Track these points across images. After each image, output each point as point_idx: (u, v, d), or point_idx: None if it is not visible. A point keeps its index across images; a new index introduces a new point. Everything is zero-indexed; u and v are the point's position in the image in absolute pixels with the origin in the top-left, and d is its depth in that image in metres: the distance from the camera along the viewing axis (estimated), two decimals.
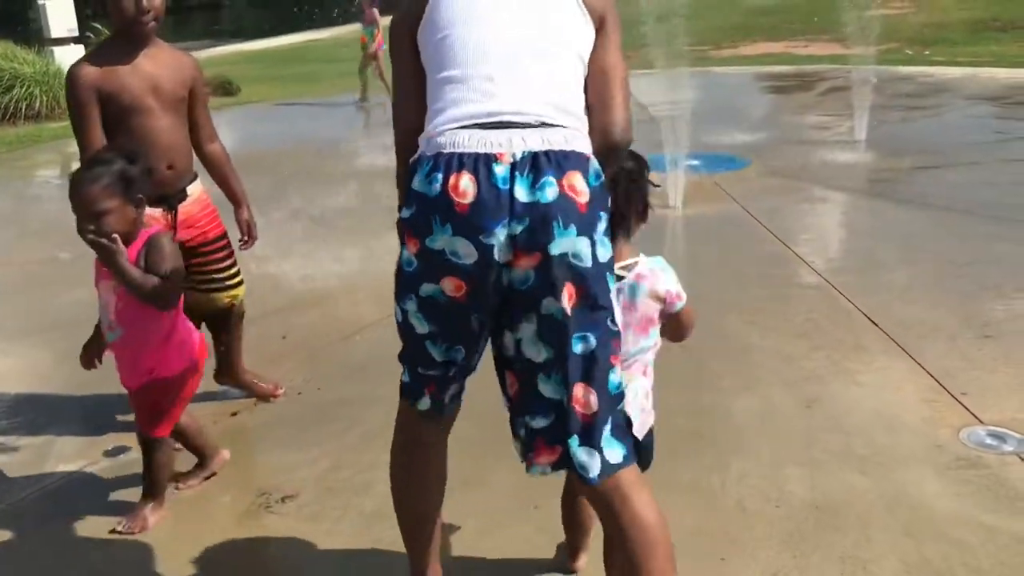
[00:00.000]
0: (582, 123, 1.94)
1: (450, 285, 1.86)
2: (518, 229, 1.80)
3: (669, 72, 8.06)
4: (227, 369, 3.64)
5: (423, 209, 1.84)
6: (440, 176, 1.81)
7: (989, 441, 3.09)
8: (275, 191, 7.23)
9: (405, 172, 1.94)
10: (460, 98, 1.88)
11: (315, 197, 7.09)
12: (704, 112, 9.12)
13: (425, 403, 2.08)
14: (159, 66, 3.12)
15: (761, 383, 3.63)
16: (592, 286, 1.85)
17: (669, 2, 8.57)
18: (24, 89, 12.37)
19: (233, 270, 3.47)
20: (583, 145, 1.89)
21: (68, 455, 3.38)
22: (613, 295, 1.93)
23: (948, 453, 3.03)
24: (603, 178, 1.91)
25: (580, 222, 1.82)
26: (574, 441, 1.90)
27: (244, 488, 3.08)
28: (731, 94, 12.14)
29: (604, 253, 1.88)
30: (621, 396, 1.95)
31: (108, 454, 3.34)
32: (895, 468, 2.96)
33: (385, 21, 13.13)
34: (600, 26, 2.03)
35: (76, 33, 14.92)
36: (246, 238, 3.58)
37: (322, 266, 5.36)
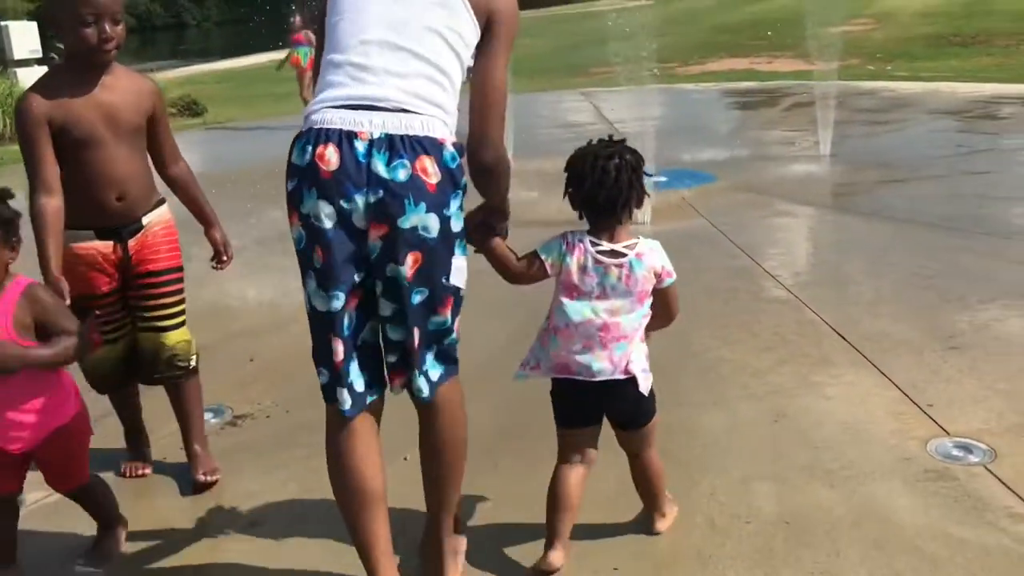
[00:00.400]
0: (445, 111, 2.18)
1: (317, 252, 2.15)
2: (372, 198, 2.08)
3: (637, 89, 8.14)
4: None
5: (297, 177, 2.14)
6: (311, 148, 2.10)
7: (956, 453, 3.11)
8: (241, 212, 7.18)
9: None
10: (335, 81, 2.15)
11: (282, 218, 7.04)
12: (671, 128, 9.22)
13: (346, 402, 2.29)
14: (116, 94, 2.93)
15: (729, 398, 3.63)
16: (435, 253, 2.16)
17: (637, 20, 8.66)
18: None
19: (177, 309, 3.15)
20: (441, 131, 2.14)
21: (25, 488, 3.30)
22: (459, 262, 2.24)
23: (916, 465, 3.05)
24: (459, 160, 2.17)
25: (429, 200, 2.11)
26: (414, 373, 2.27)
27: (210, 514, 3.04)
28: (697, 110, 12.26)
29: (456, 225, 2.20)
30: (446, 331, 2.28)
31: None
32: (863, 481, 2.97)
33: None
34: (487, 25, 2.22)
35: (40, 54, 14.81)
36: (224, 258, 3.35)
37: (290, 288, 5.29)
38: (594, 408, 2.58)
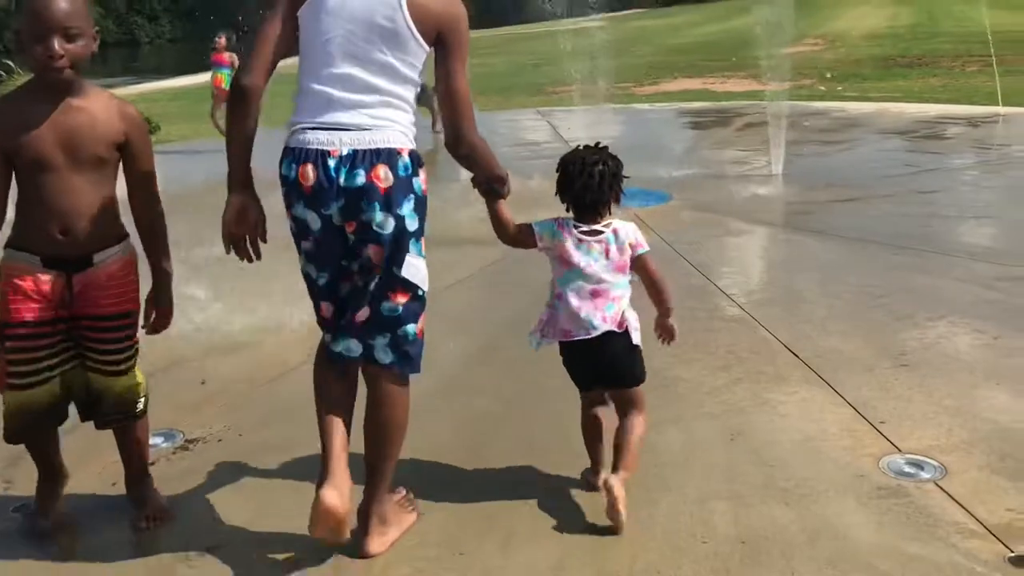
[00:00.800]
0: (402, 125, 2.63)
1: (309, 245, 2.68)
2: (342, 203, 2.56)
3: (593, 108, 8.19)
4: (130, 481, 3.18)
5: (287, 189, 2.64)
6: (295, 166, 2.59)
7: (908, 469, 3.16)
8: (195, 231, 7.09)
9: (234, 122, 2.66)
10: (310, 106, 2.63)
11: None
12: (626, 147, 9.25)
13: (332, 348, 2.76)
14: (81, 118, 2.72)
15: (686, 416, 3.66)
16: (388, 247, 2.60)
17: (593, 40, 8.74)
18: None
19: (123, 355, 2.93)
20: (399, 142, 2.60)
21: None
22: (413, 259, 2.65)
23: (869, 483, 3.09)
24: (412, 169, 2.61)
25: (381, 201, 2.55)
26: (367, 346, 2.70)
27: (164, 540, 2.98)
28: (653, 130, 12.37)
29: (411, 224, 2.61)
30: (398, 321, 2.67)
31: (18, 510, 3.19)
32: (817, 499, 3.00)
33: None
34: (438, 42, 2.64)
35: None
36: (157, 326, 3.04)
37: (243, 308, 5.24)
38: (590, 367, 3.02)
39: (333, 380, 2.81)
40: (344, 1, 2.59)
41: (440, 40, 2.63)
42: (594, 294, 2.92)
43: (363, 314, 2.66)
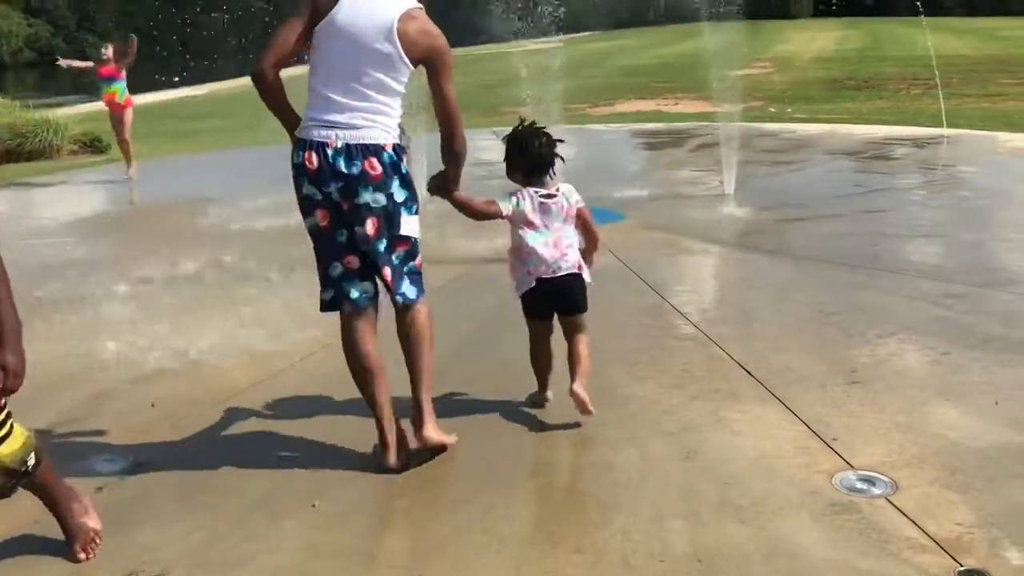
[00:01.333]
0: (387, 126, 3.30)
1: (319, 215, 3.34)
2: (340, 185, 3.26)
3: (547, 129, 8.20)
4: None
5: (296, 171, 3.32)
6: (301, 153, 3.28)
7: (860, 486, 3.19)
8: (142, 252, 6.99)
9: (268, 101, 3.38)
10: (315, 105, 3.33)
11: (183, 258, 6.86)
12: (581, 168, 9.30)
13: (346, 307, 3.41)
14: None
15: (641, 435, 3.66)
16: (387, 215, 3.30)
17: (548, 61, 8.79)
18: None
19: None
20: (383, 139, 3.28)
21: None
22: (407, 219, 3.35)
23: (822, 499, 3.11)
24: (396, 157, 3.30)
25: (374, 184, 3.26)
26: (395, 294, 3.41)
27: (110, 567, 2.90)
28: (607, 150, 12.45)
29: (399, 196, 3.32)
30: (410, 260, 3.42)
31: None
32: (772, 517, 3.01)
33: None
34: (427, 66, 3.33)
35: None
36: (14, 381, 2.55)
37: (192, 331, 5.16)
38: (553, 300, 3.74)
39: (361, 336, 3.41)
40: (350, 26, 3.25)
41: (428, 65, 3.33)
42: (555, 244, 3.69)
43: (387, 272, 3.36)
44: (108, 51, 11.34)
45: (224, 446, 3.75)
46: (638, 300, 5.44)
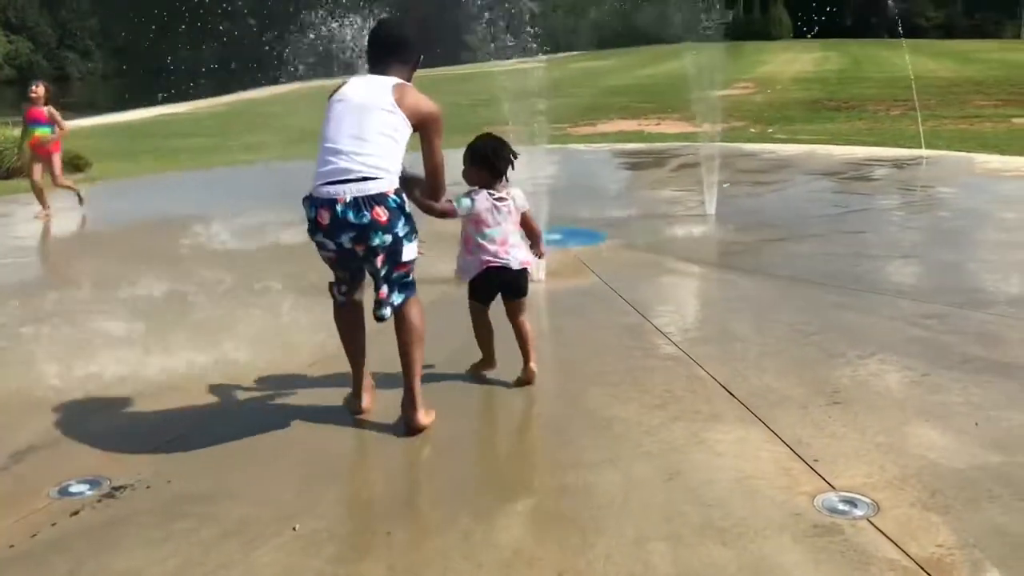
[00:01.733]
0: (390, 174, 3.78)
1: (327, 255, 3.88)
2: (352, 235, 3.71)
3: (529, 148, 8.22)
4: None
5: (310, 225, 3.79)
6: (314, 210, 3.75)
7: (842, 507, 3.19)
8: (126, 271, 6.93)
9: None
10: (324, 162, 3.80)
11: (166, 279, 6.80)
12: (563, 187, 9.34)
13: (340, 299, 4.07)
14: None
15: (623, 456, 3.65)
16: (393, 252, 3.77)
17: (529, 81, 8.80)
18: None
19: None
20: (387, 187, 3.74)
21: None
22: (408, 247, 3.81)
23: (804, 521, 3.11)
24: (399, 201, 3.76)
25: (383, 228, 3.70)
26: (388, 302, 3.86)
27: None
28: (589, 170, 12.50)
29: (402, 231, 3.76)
30: (405, 277, 3.89)
31: None
32: (755, 538, 3.01)
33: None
34: (419, 126, 3.90)
35: None
36: None
37: (175, 350, 5.12)
38: (497, 287, 4.31)
39: (348, 319, 4.08)
40: (354, 96, 3.89)
41: (422, 128, 3.91)
42: (502, 242, 4.22)
43: (383, 291, 3.83)
44: (39, 90, 10.01)
45: (204, 470, 3.71)
46: (620, 320, 5.44)
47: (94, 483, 3.58)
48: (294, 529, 3.16)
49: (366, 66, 4.13)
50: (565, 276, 6.47)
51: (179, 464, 3.76)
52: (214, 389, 4.54)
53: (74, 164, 13.52)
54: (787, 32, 65.44)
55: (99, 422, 4.20)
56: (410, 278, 3.95)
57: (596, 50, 55.72)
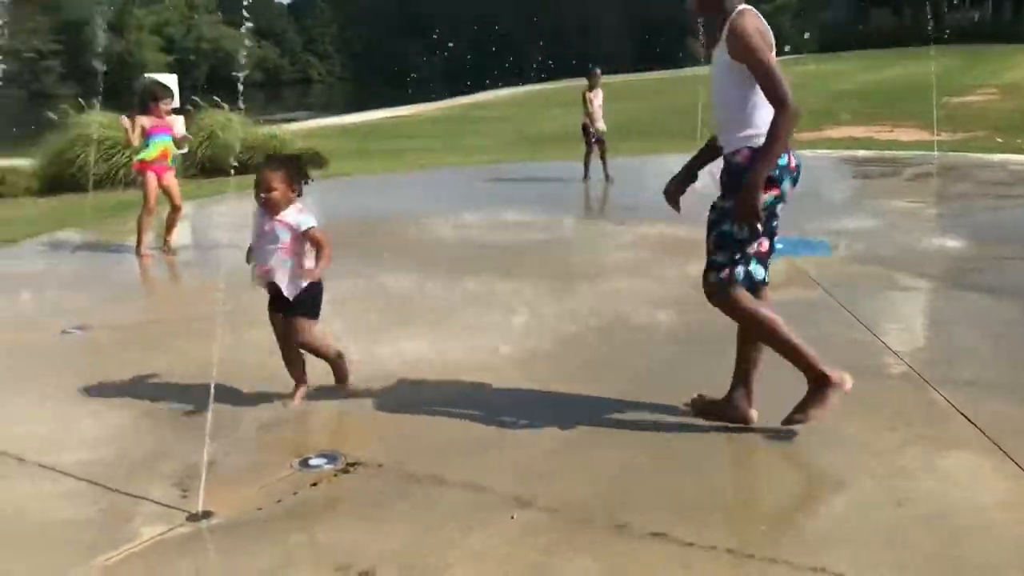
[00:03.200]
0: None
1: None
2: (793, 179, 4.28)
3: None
4: None
5: (780, 172, 4.19)
6: (786, 156, 4.20)
7: None
8: (355, 264, 7.34)
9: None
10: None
11: (376, 273, 7.15)
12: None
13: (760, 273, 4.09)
14: None
15: (849, 477, 3.51)
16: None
17: None
18: (126, 156, 12.85)
19: None
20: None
21: (151, 518, 3.41)
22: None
23: None
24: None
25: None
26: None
27: (324, 559, 3.08)
28: (815, 178, 12.02)
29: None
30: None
31: (192, 518, 3.36)
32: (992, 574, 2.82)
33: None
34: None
35: (176, 104, 15.53)
36: None
37: (424, 337, 5.39)
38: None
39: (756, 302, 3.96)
40: None
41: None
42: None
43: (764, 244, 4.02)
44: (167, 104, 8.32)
45: (432, 454, 3.88)
46: (846, 335, 5.23)
47: (331, 458, 3.84)
48: (512, 518, 3.26)
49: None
50: (789, 286, 6.28)
51: (410, 446, 3.95)
52: (462, 377, 4.73)
53: (313, 161, 14.48)
54: None
55: (339, 403, 4.49)
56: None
57: (826, 52, 53.46)
